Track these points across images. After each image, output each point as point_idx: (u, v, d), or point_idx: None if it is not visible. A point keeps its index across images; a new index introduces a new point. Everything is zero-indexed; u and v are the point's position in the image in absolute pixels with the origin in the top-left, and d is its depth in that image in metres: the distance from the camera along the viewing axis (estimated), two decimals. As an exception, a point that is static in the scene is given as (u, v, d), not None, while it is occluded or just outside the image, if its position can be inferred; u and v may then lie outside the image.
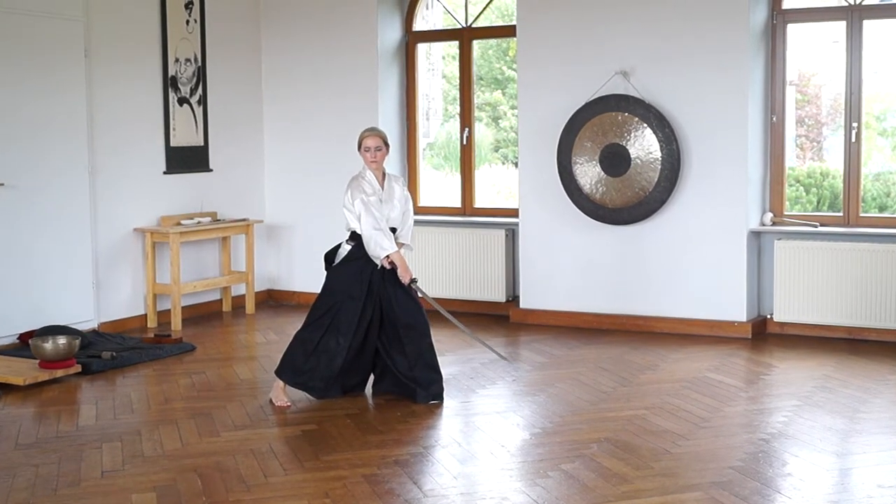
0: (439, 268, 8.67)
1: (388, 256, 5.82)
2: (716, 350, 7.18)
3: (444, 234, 8.67)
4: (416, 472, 4.75)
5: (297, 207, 9.36)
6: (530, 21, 8.13)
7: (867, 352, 7.05)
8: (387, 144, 6.03)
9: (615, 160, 7.79)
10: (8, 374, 6.35)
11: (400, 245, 6.03)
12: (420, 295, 6.02)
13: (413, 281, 5.93)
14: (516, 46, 8.30)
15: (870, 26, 7.43)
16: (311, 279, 8.93)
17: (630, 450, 5.00)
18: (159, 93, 8.45)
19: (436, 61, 9.58)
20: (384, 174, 6.05)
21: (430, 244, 8.67)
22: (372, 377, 6.17)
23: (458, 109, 9.05)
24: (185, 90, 8.64)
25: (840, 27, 7.53)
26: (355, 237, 5.92)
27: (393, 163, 8.89)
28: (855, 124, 7.47)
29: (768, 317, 7.72)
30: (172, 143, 8.54)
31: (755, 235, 7.70)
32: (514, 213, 8.58)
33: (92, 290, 7.92)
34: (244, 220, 8.92)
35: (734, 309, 7.61)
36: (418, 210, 9.10)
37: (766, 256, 7.74)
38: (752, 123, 7.54)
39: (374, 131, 6.02)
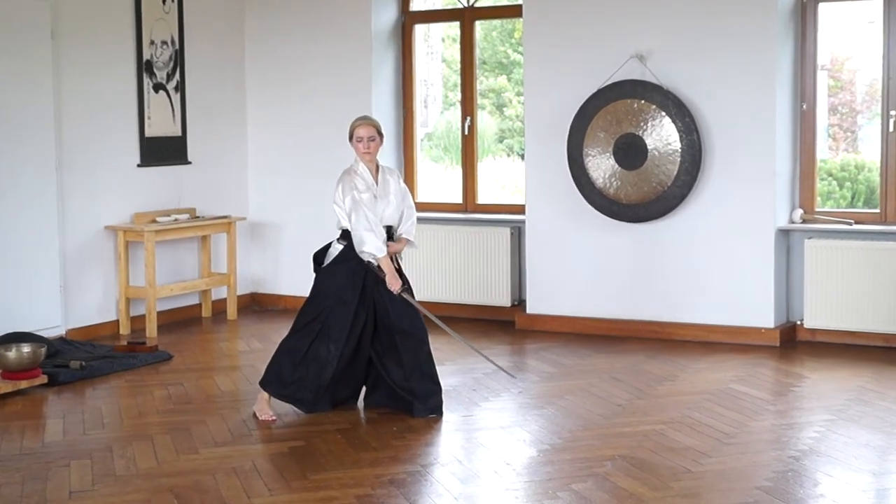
0: (438, 269, 8.66)
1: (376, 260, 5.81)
2: (741, 359, 7.17)
3: (444, 232, 8.66)
4: (413, 493, 4.73)
5: (283, 203, 9.35)
6: (538, 0, 8.12)
7: (906, 361, 7.06)
8: (381, 134, 6.02)
9: (631, 152, 7.78)
10: (-33, 386, 6.35)
11: (404, 241, 6.01)
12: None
13: (404, 290, 5.91)
14: (522, 27, 8.29)
15: (909, 5, 7.42)
16: (298, 282, 8.92)
17: (647, 468, 4.99)
18: (133, 78, 8.43)
19: (435, 44, 9.56)
20: (378, 167, 6.04)
21: (428, 244, 8.65)
22: (364, 389, 6.16)
23: (458, 97, 9.04)
24: (161, 75, 8.62)
25: (876, 6, 7.51)
26: (347, 236, 5.91)
27: (388, 155, 8.88)
28: (893, 112, 7.46)
29: (798, 323, 7.71)
30: (147, 134, 8.53)
31: (783, 234, 7.68)
32: (520, 209, 8.57)
33: (59, 294, 7.90)
34: (226, 217, 8.90)
35: (761, 314, 7.59)
36: (416, 207, 9.07)
37: (795, 257, 7.73)
38: (781, 111, 7.53)
39: (366, 120, 6.01)
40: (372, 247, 5.78)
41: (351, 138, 6.01)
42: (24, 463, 5.19)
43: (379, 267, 5.84)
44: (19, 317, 7.57)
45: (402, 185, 6.13)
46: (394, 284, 5.86)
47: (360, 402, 6.13)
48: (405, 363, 5.93)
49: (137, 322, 8.36)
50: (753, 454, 5.18)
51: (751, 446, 5.30)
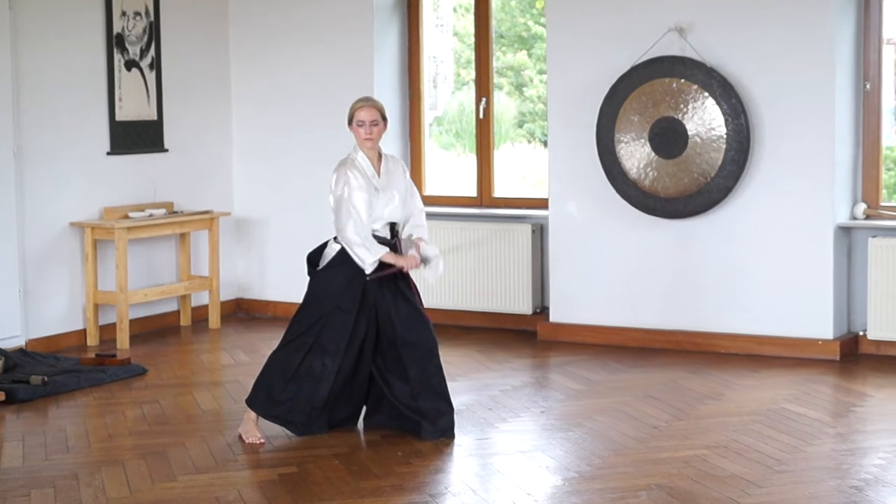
0: (449, 272, 8.65)
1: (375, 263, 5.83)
2: (795, 375, 7.16)
3: (456, 230, 8.67)
4: (420, 527, 4.75)
5: (272, 197, 9.37)
6: (563, -35, 8.15)
7: (984, 377, 7.06)
8: (384, 118, 6.03)
9: (669, 138, 7.78)
10: (-86, 404, 6.38)
11: (418, 241, 6.00)
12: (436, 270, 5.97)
13: (425, 260, 5.91)
14: (546, -4, 8.31)
15: None
16: (289, 286, 8.94)
17: (688, 499, 4.99)
18: (102, 54, 8.46)
19: (445, 14, 9.57)
20: (380, 155, 6.05)
21: (438, 243, 8.65)
22: (364, 408, 6.17)
23: (472, 75, 9.05)
24: (133, 51, 8.65)
25: (950, -28, 7.50)
26: (345, 235, 5.93)
27: (391, 142, 8.90)
28: (969, 93, 7.45)
29: (860, 334, 7.70)
30: (118, 117, 8.55)
31: (844, 232, 7.68)
32: (542, 204, 8.58)
33: (18, 300, 7.93)
34: (207, 212, 8.93)
35: (818, 324, 7.59)
36: (423, 201, 9.09)
37: (857, 258, 7.72)
38: (841, 92, 7.52)
39: (369, 102, 6.02)
40: (366, 255, 5.79)
41: (350, 122, 6.02)
42: (-21, 492, 5.22)
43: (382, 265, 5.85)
44: (-27, 325, 7.62)
45: (408, 176, 6.15)
46: (410, 263, 5.86)
47: (361, 424, 6.14)
48: (412, 379, 5.94)
49: (107, 332, 8.39)
50: (809, 484, 5.17)
51: (806, 475, 5.30)
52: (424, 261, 5.98)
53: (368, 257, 5.82)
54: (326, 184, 6.07)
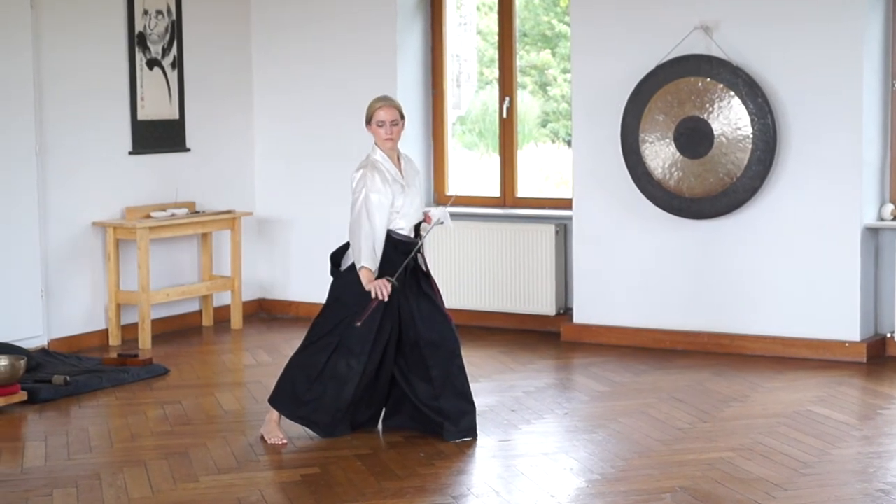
0: (471, 273, 8.67)
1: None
2: (821, 377, 7.15)
3: (479, 230, 8.67)
4: (443, 529, 4.76)
5: (294, 197, 9.39)
6: (587, -37, 8.15)
7: None
8: (403, 117, 6.04)
9: (694, 138, 7.77)
10: (-63, 403, 6.42)
11: (430, 218, 6.07)
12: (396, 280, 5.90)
13: (392, 281, 5.86)
14: (570, -5, 8.31)
15: None
16: (312, 287, 8.96)
17: (712, 502, 4.99)
18: (124, 53, 8.50)
19: (469, 13, 9.58)
20: (398, 155, 6.07)
21: (461, 243, 8.67)
22: (384, 410, 6.20)
23: (496, 74, 9.05)
24: (155, 50, 8.69)
25: (980, -31, 7.47)
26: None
27: (414, 141, 8.91)
28: None
29: (888, 336, 7.68)
30: (140, 117, 8.59)
31: (871, 232, 7.66)
32: (566, 204, 8.58)
33: (40, 300, 7.97)
34: (229, 212, 8.96)
35: (845, 325, 7.57)
36: (446, 200, 9.11)
37: (884, 259, 7.70)
38: (868, 91, 7.50)
39: (388, 101, 6.02)
40: (358, 254, 5.81)
41: (369, 122, 6.03)
42: (0, 491, 5.24)
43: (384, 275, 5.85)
44: (-5, 325, 7.66)
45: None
46: (378, 289, 5.76)
47: (380, 426, 6.16)
48: (434, 379, 5.95)
49: (129, 332, 8.43)
50: (835, 487, 5.17)
51: (832, 478, 5.29)
52: (437, 222, 6.03)
53: (360, 259, 5.82)
54: (349, 184, 6.08)
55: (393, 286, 5.80)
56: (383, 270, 5.86)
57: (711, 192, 7.77)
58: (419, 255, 6.04)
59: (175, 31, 8.80)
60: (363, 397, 6.00)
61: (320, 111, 9.23)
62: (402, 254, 5.92)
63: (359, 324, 5.80)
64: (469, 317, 8.70)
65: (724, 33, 7.72)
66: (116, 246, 8.28)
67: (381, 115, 5.98)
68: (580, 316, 8.32)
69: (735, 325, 7.86)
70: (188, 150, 8.96)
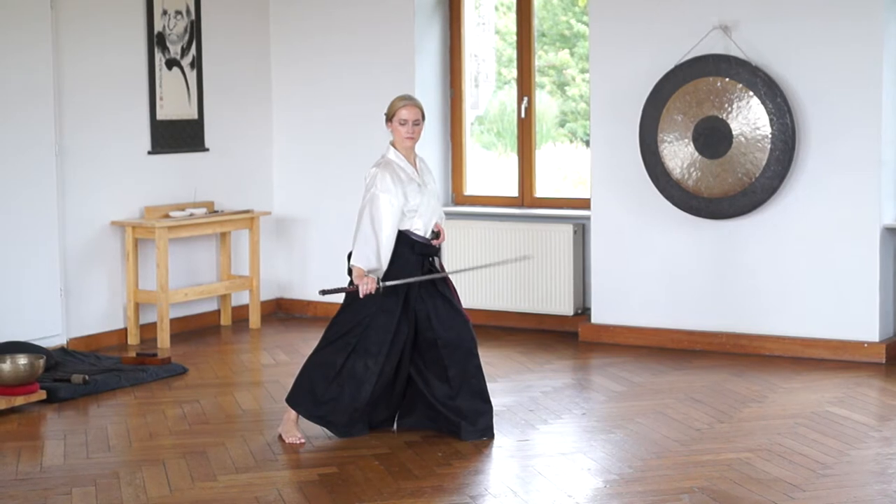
0: (489, 273, 8.67)
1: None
2: (840, 378, 7.14)
3: (497, 230, 8.68)
4: (460, 528, 4.77)
5: (312, 197, 9.41)
6: (606, -38, 8.15)
7: None
8: (423, 118, 6.05)
9: (713, 138, 7.77)
10: (-43, 402, 6.46)
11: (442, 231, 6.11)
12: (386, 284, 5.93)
13: (378, 288, 5.88)
14: (588, -6, 8.31)
15: None
16: (329, 286, 8.95)
17: (730, 502, 4.99)
18: (143, 53, 8.53)
19: (487, 13, 9.59)
20: (414, 155, 6.08)
21: (478, 243, 8.68)
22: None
23: (514, 74, 9.06)
24: (174, 50, 8.72)
25: None
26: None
27: (432, 141, 8.93)
28: None
29: (907, 336, 7.68)
30: (159, 116, 8.62)
31: (891, 233, 7.64)
32: (584, 204, 8.58)
33: (59, 299, 8.01)
34: (248, 211, 8.98)
35: (863, 326, 7.56)
36: (464, 200, 9.13)
37: (904, 260, 7.69)
38: (888, 90, 7.48)
39: (411, 101, 6.02)
40: (355, 252, 5.84)
41: (389, 120, 6.02)
42: (20, 490, 5.26)
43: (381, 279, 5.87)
44: (14, 325, 7.67)
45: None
46: (366, 286, 5.80)
47: (395, 426, 6.18)
48: (451, 378, 5.96)
49: (148, 331, 8.46)
50: (854, 488, 5.16)
51: (851, 479, 5.28)
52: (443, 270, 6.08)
53: (354, 258, 5.86)
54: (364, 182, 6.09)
55: (377, 290, 5.83)
56: (400, 269, 5.88)
57: (730, 193, 7.76)
58: (435, 259, 6.07)
59: (194, 32, 8.83)
60: (381, 398, 6.02)
61: (338, 111, 9.25)
62: (418, 254, 5.93)
63: (321, 293, 6.01)
64: (487, 317, 8.71)
65: (742, 33, 7.71)
66: (135, 245, 8.32)
67: (404, 114, 5.98)
68: (598, 316, 8.33)
69: (753, 325, 7.85)
70: (207, 149, 8.99)
